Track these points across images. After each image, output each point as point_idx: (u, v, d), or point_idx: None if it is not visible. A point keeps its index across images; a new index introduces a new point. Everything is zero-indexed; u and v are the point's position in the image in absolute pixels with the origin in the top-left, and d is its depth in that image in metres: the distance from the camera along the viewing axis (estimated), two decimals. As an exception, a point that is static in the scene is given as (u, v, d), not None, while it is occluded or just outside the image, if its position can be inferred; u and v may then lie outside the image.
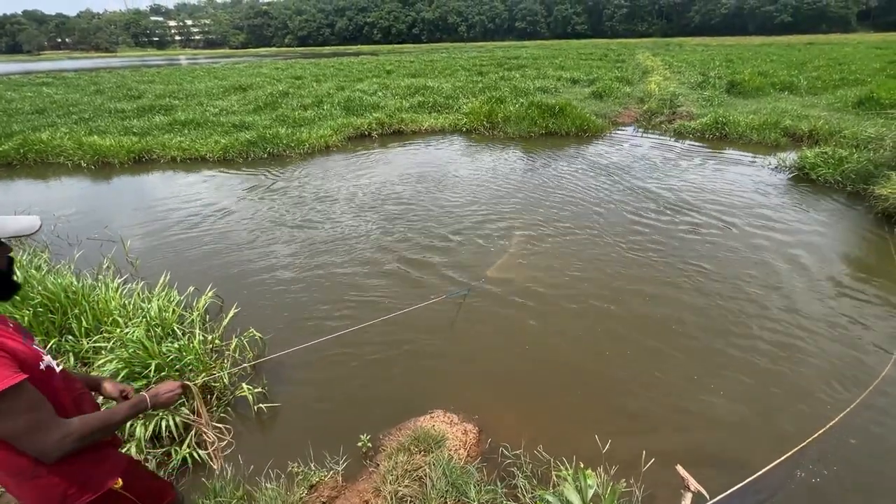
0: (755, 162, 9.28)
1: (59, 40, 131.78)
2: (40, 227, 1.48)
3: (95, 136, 11.28)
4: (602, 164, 9.36)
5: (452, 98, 15.50)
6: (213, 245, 6.21)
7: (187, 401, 2.96)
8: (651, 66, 23.48)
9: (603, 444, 2.53)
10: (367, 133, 12.40)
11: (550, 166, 9.32)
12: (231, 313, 4.37)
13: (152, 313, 3.96)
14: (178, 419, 3.01)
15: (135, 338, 3.37)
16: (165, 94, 18.47)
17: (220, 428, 2.62)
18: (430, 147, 11.31)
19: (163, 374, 3.21)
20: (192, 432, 3.06)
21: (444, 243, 5.93)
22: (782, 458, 2.82)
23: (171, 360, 3.36)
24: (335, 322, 4.43)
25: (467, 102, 14.48)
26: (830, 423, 3.08)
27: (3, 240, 1.43)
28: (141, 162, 10.56)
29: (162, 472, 2.81)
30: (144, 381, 3.12)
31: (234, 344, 3.90)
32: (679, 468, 2.50)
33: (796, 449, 2.88)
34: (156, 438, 3.03)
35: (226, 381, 3.45)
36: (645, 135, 11.96)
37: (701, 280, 4.98)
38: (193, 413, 2.36)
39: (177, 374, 3.28)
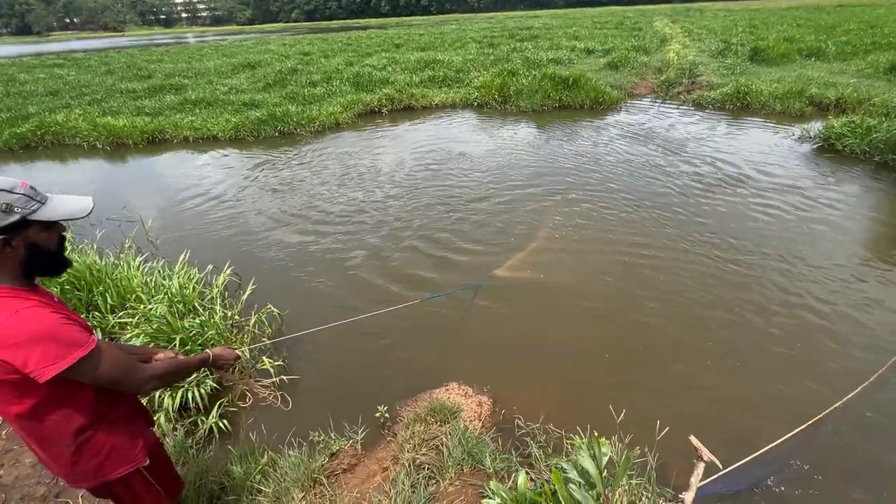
0: (778, 132, 8.96)
1: (68, 20, 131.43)
2: (93, 208, 1.49)
3: (109, 117, 11.36)
4: (618, 137, 9.14)
5: (463, 72, 15.16)
6: (229, 224, 6.29)
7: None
8: (669, 33, 22.54)
9: (617, 414, 2.56)
10: (377, 109, 12.26)
11: (566, 142, 9.13)
12: (248, 290, 4.47)
13: (174, 290, 4.07)
14: (203, 390, 3.13)
15: (159, 313, 3.48)
16: (175, 73, 18.42)
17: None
18: (443, 123, 11.15)
19: (186, 347, 3.32)
20: (219, 403, 3.18)
21: (462, 228, 5.87)
22: (796, 430, 2.84)
23: (194, 334, 3.46)
24: (351, 299, 4.50)
25: (478, 76, 14.15)
26: (846, 397, 3.07)
27: (58, 220, 1.45)
28: (154, 142, 10.64)
29: (189, 441, 2.94)
30: (170, 355, 3.23)
31: (253, 320, 4.00)
32: (692, 438, 2.52)
33: (810, 422, 2.90)
34: (183, 409, 3.16)
35: (247, 354, 3.55)
36: (663, 106, 11.59)
37: (719, 253, 4.90)
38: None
39: (200, 348, 3.39)
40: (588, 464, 1.52)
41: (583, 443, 1.59)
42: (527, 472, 2.44)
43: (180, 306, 3.88)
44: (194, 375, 3.23)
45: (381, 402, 3.16)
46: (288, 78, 15.59)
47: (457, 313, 4.17)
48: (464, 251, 5.19)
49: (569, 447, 2.77)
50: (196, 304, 4.02)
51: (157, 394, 3.06)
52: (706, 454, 2.47)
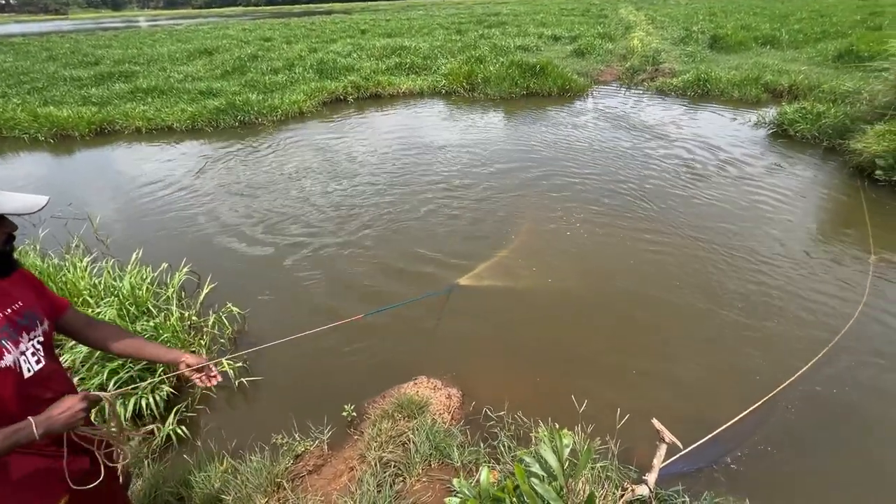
0: (735, 119, 9.26)
1: (4, 2, 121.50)
2: (46, 204, 1.33)
3: (51, 107, 10.60)
4: (583, 125, 9.23)
5: (430, 58, 14.93)
6: (187, 220, 6.00)
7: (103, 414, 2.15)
8: (634, 21, 22.86)
9: (580, 403, 2.59)
10: (342, 98, 11.93)
11: (536, 131, 9.14)
12: (206, 289, 4.28)
13: (125, 291, 3.85)
14: (158, 397, 2.98)
15: (107, 318, 3.27)
16: (125, 59, 17.34)
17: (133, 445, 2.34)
18: (410, 111, 10.97)
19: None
20: (176, 409, 3.03)
21: (433, 223, 5.82)
22: (751, 407, 2.96)
23: (147, 338, 3.27)
24: (318, 297, 4.37)
25: (446, 63, 13.97)
26: (798, 373, 3.22)
27: (6, 216, 1.29)
28: (103, 133, 10.01)
29: (146, 450, 2.80)
30: (120, 362, 3.05)
31: (211, 320, 3.83)
32: (654, 421, 2.59)
33: (765, 399, 3.03)
34: (138, 417, 3.00)
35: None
36: (628, 93, 11.77)
37: (672, 235, 5.03)
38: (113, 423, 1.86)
39: (154, 352, 3.21)
40: (549, 457, 1.51)
41: (545, 435, 1.59)
42: (493, 466, 2.45)
43: (132, 309, 3.67)
44: (147, 381, 3.08)
45: (349, 400, 3.09)
46: (248, 65, 14.95)
47: (428, 313, 4.05)
48: (435, 251, 5.06)
49: (534, 438, 2.80)
50: (150, 306, 3.82)
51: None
52: (668, 436, 2.54)
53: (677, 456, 2.58)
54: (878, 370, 3.32)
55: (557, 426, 2.67)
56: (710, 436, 2.72)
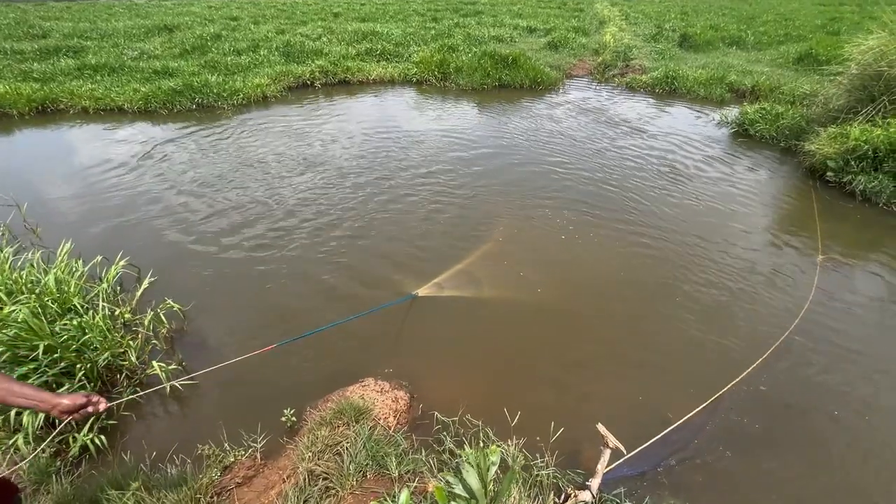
0: (700, 117, 9.40)
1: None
2: None
3: (-14, 82, 9.76)
4: (552, 119, 9.18)
5: (403, 45, 14.55)
6: (130, 208, 5.61)
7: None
8: (608, 16, 22.97)
9: (531, 408, 2.52)
10: (309, 83, 11.48)
11: (507, 121, 9.03)
12: (145, 284, 4.00)
13: (49, 286, 3.53)
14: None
15: (20, 319, 2.97)
16: (75, 33, 16.19)
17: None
18: (379, 99, 10.66)
19: (55, 355, 2.87)
20: (96, 417, 2.79)
21: (400, 220, 5.64)
22: (696, 410, 2.96)
23: (66, 339, 3.00)
24: (269, 296, 4.14)
25: (418, 50, 13.64)
26: (742, 374, 3.25)
27: None
28: (45, 113, 9.30)
29: (58, 462, 2.56)
30: (33, 365, 2.78)
31: (147, 318, 3.57)
32: (599, 426, 2.54)
33: (711, 400, 3.03)
34: (52, 426, 2.75)
35: (133, 358, 3.16)
36: (598, 88, 11.80)
37: (629, 230, 5.04)
38: None
39: (74, 354, 2.95)
40: (472, 479, 1.41)
41: (469, 455, 1.48)
42: (431, 477, 2.34)
43: (55, 306, 3.37)
44: (66, 386, 2.82)
45: (291, 404, 2.93)
46: (210, 44, 14.19)
47: (382, 317, 3.82)
48: (399, 251, 4.80)
49: (483, 440, 2.72)
50: (76, 303, 3.52)
51: (14, 411, 2.62)
52: (612, 441, 2.50)
53: (621, 460, 2.55)
54: (820, 369, 3.39)
55: (492, 437, 2.60)
56: (653, 439, 2.70)
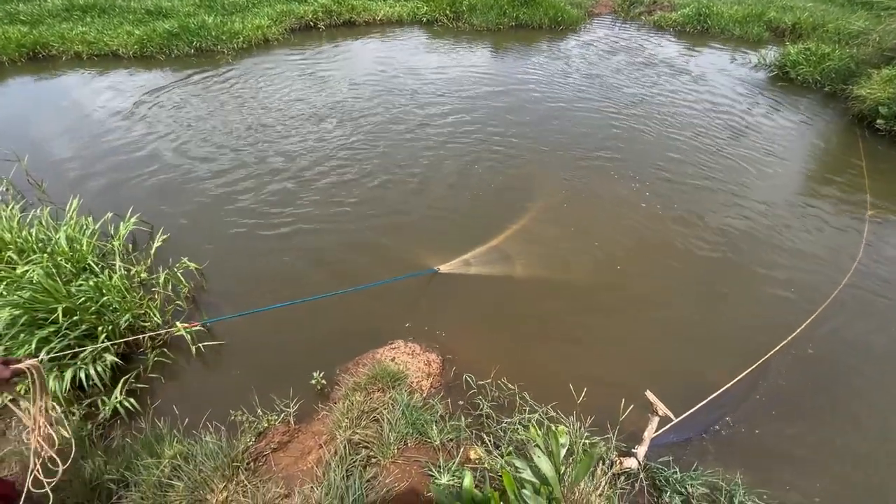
0: (735, 59, 8.70)
1: None
2: None
3: (-29, 25, 9.17)
4: (576, 60, 8.54)
5: (411, -19, 13.41)
6: (136, 162, 5.34)
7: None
8: (633, -55, 20.98)
9: (569, 375, 2.39)
10: (312, 24, 10.69)
11: (530, 68, 8.41)
12: (158, 240, 3.84)
13: (61, 245, 3.38)
14: (100, 367, 2.65)
15: (34, 280, 2.83)
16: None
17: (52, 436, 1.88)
18: (388, 43, 9.94)
19: (74, 317, 2.76)
20: (124, 380, 2.72)
21: (415, 178, 5.24)
22: (742, 374, 2.82)
23: (85, 301, 2.88)
24: (279, 250, 3.97)
25: (428, -13, 12.58)
26: (790, 337, 3.09)
27: None
28: (37, 59, 8.77)
29: (89, 425, 2.51)
30: (53, 328, 2.68)
31: (163, 277, 3.43)
32: (648, 393, 2.41)
33: (756, 364, 2.89)
34: (80, 389, 2.68)
35: (157, 318, 3.05)
36: (623, 27, 10.92)
37: (665, 184, 4.74)
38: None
39: (93, 316, 2.84)
40: (544, 465, 1.28)
41: (538, 436, 1.35)
42: (474, 443, 2.26)
43: (69, 266, 3.23)
44: (88, 349, 2.73)
45: (318, 367, 2.83)
46: (204, -19, 13.16)
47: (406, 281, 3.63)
48: (415, 212, 4.49)
49: (520, 403, 2.63)
50: (91, 262, 3.37)
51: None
52: (661, 408, 2.37)
53: (668, 426, 2.45)
54: (867, 329, 3.23)
55: (531, 402, 2.50)
56: (701, 404, 2.59)
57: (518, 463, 1.35)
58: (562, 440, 1.39)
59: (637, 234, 4.14)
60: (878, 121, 5.79)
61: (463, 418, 2.43)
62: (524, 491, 1.26)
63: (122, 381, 2.70)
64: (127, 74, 8.09)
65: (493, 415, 2.56)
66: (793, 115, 6.47)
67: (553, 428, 1.35)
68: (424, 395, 2.69)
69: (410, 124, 6.11)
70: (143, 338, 3.07)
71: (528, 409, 2.59)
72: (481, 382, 2.76)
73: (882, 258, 3.87)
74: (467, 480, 1.36)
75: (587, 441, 2.42)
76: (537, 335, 3.21)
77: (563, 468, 1.36)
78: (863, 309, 3.39)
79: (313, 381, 2.74)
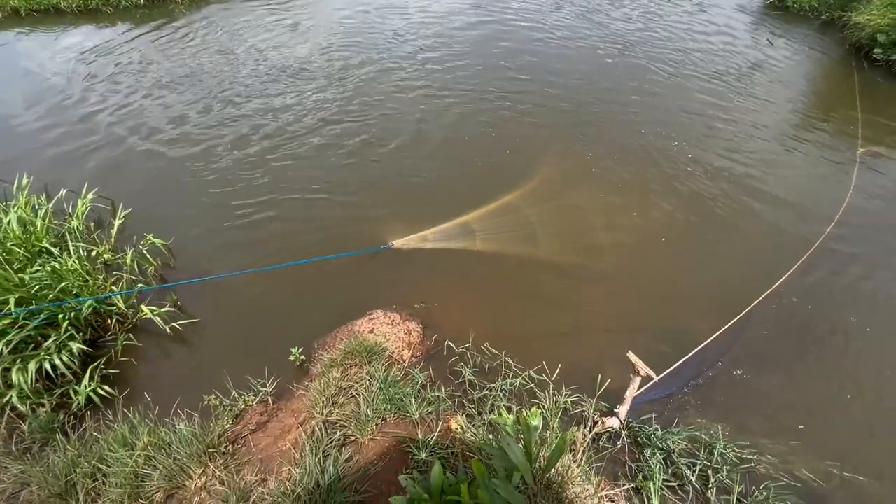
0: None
1: None
2: None
3: None
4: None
5: None
6: (87, 130, 4.96)
7: None
8: None
9: (547, 334, 2.33)
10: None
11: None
12: (120, 217, 3.62)
13: (13, 230, 3.17)
14: (65, 357, 2.54)
15: (-20, 268, 2.66)
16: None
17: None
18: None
19: (30, 307, 2.62)
20: (93, 367, 2.63)
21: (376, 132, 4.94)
22: (725, 327, 2.78)
23: (41, 288, 2.73)
24: (248, 218, 3.77)
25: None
26: (773, 287, 3.03)
27: None
28: (-31, 17, 7.97)
29: (62, 416, 2.45)
30: (7, 321, 2.54)
31: (129, 256, 3.27)
32: (630, 354, 2.37)
33: (739, 316, 2.84)
34: (50, 380, 2.59)
35: (120, 303, 2.92)
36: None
37: (652, 117, 4.54)
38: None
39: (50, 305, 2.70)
40: (515, 452, 1.21)
41: (508, 420, 1.29)
42: (454, 412, 2.23)
43: (20, 250, 3.04)
44: (52, 338, 2.61)
45: (296, 342, 2.75)
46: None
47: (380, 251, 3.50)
48: (395, 178, 4.20)
49: (504, 370, 2.60)
50: (47, 245, 3.18)
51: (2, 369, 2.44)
52: (643, 368, 2.34)
53: (649, 385, 2.44)
54: (855, 277, 3.20)
55: (515, 366, 2.45)
56: (681, 361, 2.57)
57: (491, 450, 1.30)
58: (534, 422, 1.33)
59: (626, 180, 3.99)
60: (876, 50, 5.51)
61: (443, 388, 2.39)
62: (493, 480, 1.21)
63: (90, 368, 2.60)
64: (73, 32, 7.42)
65: (476, 381, 2.53)
66: (787, 47, 6.13)
67: (524, 413, 1.29)
68: (405, 364, 2.64)
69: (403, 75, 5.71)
70: (111, 322, 2.97)
71: (511, 374, 2.56)
72: (462, 349, 2.71)
73: (870, 202, 3.79)
74: (436, 470, 1.31)
75: (569, 401, 2.42)
76: (519, 299, 3.14)
77: (536, 449, 1.30)
78: (849, 255, 3.34)
79: (292, 358, 2.66)
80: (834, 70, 5.69)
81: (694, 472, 2.17)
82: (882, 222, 3.62)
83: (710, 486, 2.14)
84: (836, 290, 3.11)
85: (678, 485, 2.16)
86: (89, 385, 2.54)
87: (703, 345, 2.67)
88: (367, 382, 2.28)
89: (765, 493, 2.10)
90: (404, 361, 2.68)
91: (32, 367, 2.48)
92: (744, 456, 2.24)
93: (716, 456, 2.21)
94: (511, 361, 2.62)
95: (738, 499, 2.08)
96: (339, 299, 3.11)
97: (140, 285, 3.13)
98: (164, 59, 6.29)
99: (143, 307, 2.87)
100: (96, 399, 2.54)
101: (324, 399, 2.22)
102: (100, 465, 2.07)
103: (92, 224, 3.72)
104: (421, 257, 3.40)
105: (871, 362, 2.72)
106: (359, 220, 3.73)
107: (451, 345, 2.75)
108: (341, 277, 3.25)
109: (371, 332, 2.79)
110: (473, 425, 2.14)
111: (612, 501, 1.85)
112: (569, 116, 4.81)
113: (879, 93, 5.12)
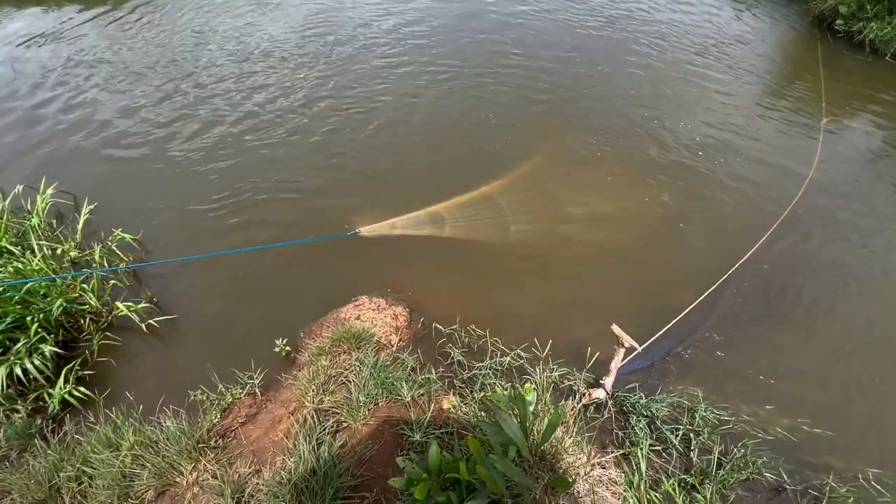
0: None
1: None
2: None
3: None
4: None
5: None
6: (41, 119, 4.66)
7: None
8: None
9: (531, 313, 2.36)
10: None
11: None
12: (85, 212, 3.45)
13: (-32, 230, 2.98)
14: (37, 361, 2.44)
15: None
16: None
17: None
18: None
19: (-6, 311, 2.49)
20: (69, 369, 2.53)
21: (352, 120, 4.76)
22: (702, 297, 2.88)
23: (4, 290, 2.59)
24: (219, 209, 3.63)
25: None
26: (746, 255, 3.15)
27: None
28: None
29: (40, 421, 2.36)
30: (-28, 325, 2.41)
31: (97, 253, 3.12)
32: (614, 327, 2.42)
33: (714, 286, 2.95)
34: (22, 384, 2.49)
35: (93, 301, 2.80)
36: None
37: (613, 86, 4.58)
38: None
39: (17, 307, 2.57)
40: (511, 427, 1.24)
41: (503, 396, 1.31)
42: (446, 392, 2.25)
43: (-22, 252, 2.87)
44: (23, 341, 2.50)
45: (280, 333, 2.70)
46: None
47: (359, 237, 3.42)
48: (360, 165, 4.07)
49: (492, 349, 2.63)
50: (6, 244, 3.01)
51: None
52: (627, 340, 2.40)
53: (633, 355, 2.51)
54: (823, 242, 3.33)
55: (501, 347, 2.49)
56: (661, 332, 2.65)
57: (486, 426, 1.32)
58: (529, 397, 1.35)
59: (596, 156, 4.03)
60: (838, 21, 5.64)
61: (433, 370, 2.41)
62: (491, 455, 1.23)
63: (65, 371, 2.51)
64: (16, 17, 6.89)
65: (465, 361, 2.56)
66: (755, 20, 6.22)
67: (519, 388, 1.31)
68: (394, 349, 2.65)
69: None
70: (85, 322, 2.85)
71: (499, 353, 2.59)
72: (450, 330, 2.73)
73: (834, 170, 3.93)
74: (433, 450, 1.32)
75: (557, 375, 2.47)
76: (503, 279, 3.16)
77: (530, 424, 1.33)
78: (816, 222, 3.48)
79: (277, 349, 2.62)
80: (799, 42, 5.82)
81: (677, 435, 2.26)
82: (846, 188, 3.77)
83: (692, 448, 2.24)
84: (806, 255, 3.24)
85: (663, 448, 2.25)
86: (63, 388, 2.45)
87: (682, 314, 2.76)
88: (357, 368, 2.27)
89: (742, 451, 2.22)
90: (393, 346, 2.68)
91: (2, 372, 2.37)
92: (723, 417, 2.35)
93: (697, 419, 2.31)
94: (499, 341, 2.65)
95: (718, 458, 2.18)
96: (321, 288, 3.06)
97: (123, 264, 3.01)
98: (118, 44, 5.93)
99: (119, 304, 2.76)
100: (73, 401, 2.46)
101: (314, 387, 2.20)
102: (84, 468, 2.02)
103: (54, 221, 3.54)
104: (400, 242, 3.36)
105: (839, 324, 2.86)
106: (330, 208, 3.62)
107: (439, 327, 2.76)
108: (321, 266, 3.19)
109: (357, 318, 2.77)
110: (465, 404, 2.18)
111: (603, 468, 1.92)
112: (547, 93, 4.78)
113: (842, 63, 5.28)
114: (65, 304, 2.71)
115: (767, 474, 2.18)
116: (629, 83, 4.92)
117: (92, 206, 3.55)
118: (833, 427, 2.39)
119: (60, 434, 2.26)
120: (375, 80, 4.99)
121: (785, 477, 2.19)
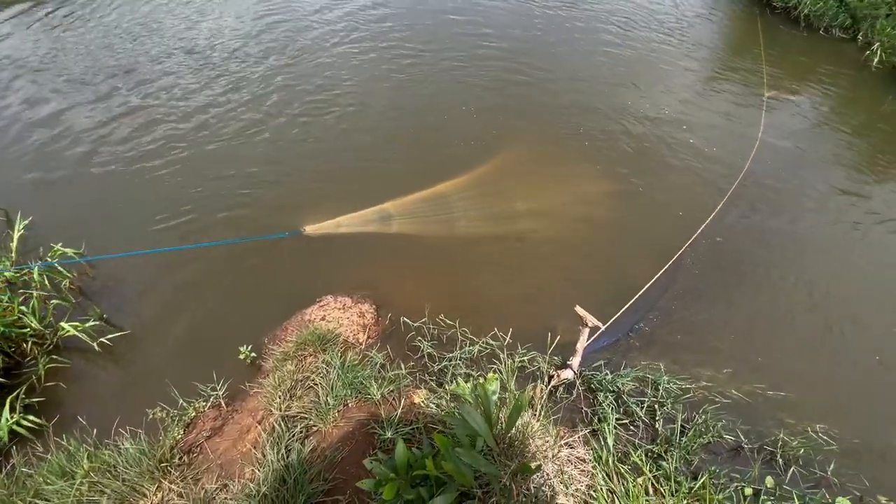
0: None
1: None
2: None
3: None
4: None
5: None
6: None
7: None
8: None
9: (496, 298, 2.38)
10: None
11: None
12: (19, 228, 3.20)
13: None
14: (-25, 392, 2.27)
15: None
16: None
17: None
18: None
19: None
20: (13, 397, 2.37)
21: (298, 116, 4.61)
22: (659, 272, 2.98)
23: (-69, 320, 2.39)
24: (165, 214, 3.44)
25: None
26: (699, 230, 3.27)
27: None
28: None
29: (-18, 457, 2.20)
30: None
31: (36, 272, 2.91)
32: (578, 308, 2.48)
33: (671, 262, 3.06)
34: (-42, 417, 2.31)
35: (34, 323, 2.62)
36: None
37: (554, 74, 4.65)
38: None
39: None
40: (476, 419, 1.24)
41: (466, 388, 1.31)
42: (417, 387, 2.25)
43: None
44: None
45: (245, 340, 2.62)
46: None
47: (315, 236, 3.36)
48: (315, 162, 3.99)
49: (461, 339, 2.63)
50: (-69, 269, 2.77)
51: None
52: (591, 320, 2.46)
53: (598, 335, 2.58)
54: (770, 213, 3.51)
55: (470, 336, 2.50)
56: (623, 310, 2.73)
57: (451, 420, 1.31)
58: (492, 387, 1.36)
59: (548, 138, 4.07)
60: (776, -2, 5.89)
61: (403, 365, 2.39)
62: (457, 449, 1.23)
63: (9, 400, 2.34)
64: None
65: (435, 354, 2.56)
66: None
67: (482, 379, 1.31)
68: (362, 347, 2.61)
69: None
70: (27, 345, 2.66)
71: (468, 342, 2.60)
72: (419, 323, 2.72)
73: (777, 142, 4.13)
74: (400, 448, 1.31)
75: (527, 360, 2.51)
76: (469, 269, 3.16)
77: (497, 412, 1.34)
78: (763, 193, 3.65)
79: (242, 356, 2.54)
80: (740, 22, 6.03)
81: (643, 408, 2.35)
82: (789, 160, 3.97)
83: (657, 418, 2.33)
84: (754, 226, 3.41)
85: (630, 422, 2.33)
86: (10, 418, 2.29)
87: (641, 291, 2.85)
88: (324, 371, 2.23)
89: (703, 417, 2.32)
90: (361, 344, 2.65)
91: (-65, 407, 2.19)
92: (684, 387, 2.45)
93: (661, 391, 2.40)
94: (467, 330, 2.66)
95: (681, 425, 2.28)
96: (283, 290, 2.97)
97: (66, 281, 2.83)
98: (43, 44, 5.48)
99: (64, 324, 2.60)
100: (23, 431, 2.31)
101: (280, 394, 2.15)
102: (37, 501, 1.90)
103: (-14, 239, 3.27)
104: (363, 241, 3.30)
105: (787, 291, 3.03)
106: (281, 207, 3.50)
107: (407, 321, 2.74)
108: (281, 269, 3.10)
109: (323, 319, 2.71)
110: (437, 397, 2.18)
111: (571, 447, 1.97)
112: (502, 81, 4.78)
113: (780, 38, 5.52)
114: (2, 329, 2.53)
115: (727, 436, 2.30)
116: (588, 63, 4.98)
117: (27, 221, 3.31)
118: (784, 387, 2.54)
119: (7, 468, 2.11)
120: (333, 69, 4.85)
121: (742, 437, 2.32)
